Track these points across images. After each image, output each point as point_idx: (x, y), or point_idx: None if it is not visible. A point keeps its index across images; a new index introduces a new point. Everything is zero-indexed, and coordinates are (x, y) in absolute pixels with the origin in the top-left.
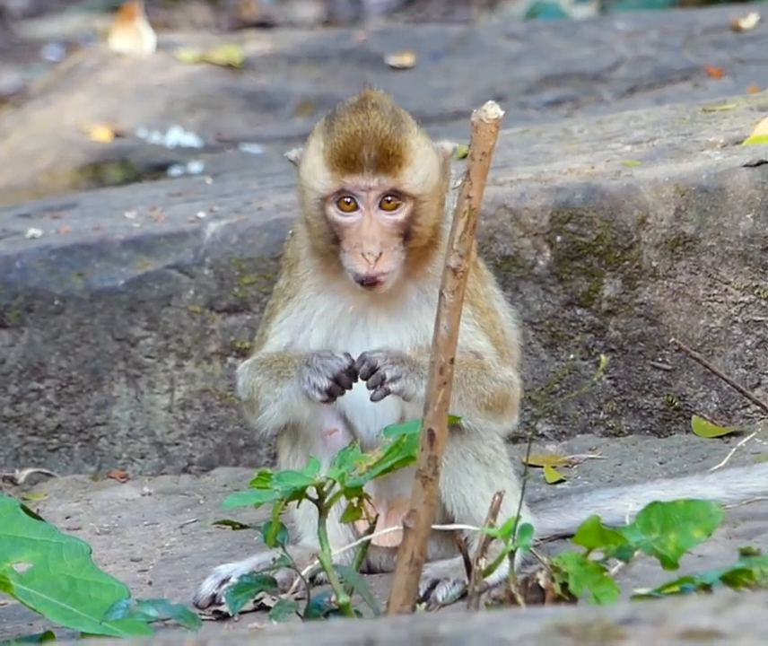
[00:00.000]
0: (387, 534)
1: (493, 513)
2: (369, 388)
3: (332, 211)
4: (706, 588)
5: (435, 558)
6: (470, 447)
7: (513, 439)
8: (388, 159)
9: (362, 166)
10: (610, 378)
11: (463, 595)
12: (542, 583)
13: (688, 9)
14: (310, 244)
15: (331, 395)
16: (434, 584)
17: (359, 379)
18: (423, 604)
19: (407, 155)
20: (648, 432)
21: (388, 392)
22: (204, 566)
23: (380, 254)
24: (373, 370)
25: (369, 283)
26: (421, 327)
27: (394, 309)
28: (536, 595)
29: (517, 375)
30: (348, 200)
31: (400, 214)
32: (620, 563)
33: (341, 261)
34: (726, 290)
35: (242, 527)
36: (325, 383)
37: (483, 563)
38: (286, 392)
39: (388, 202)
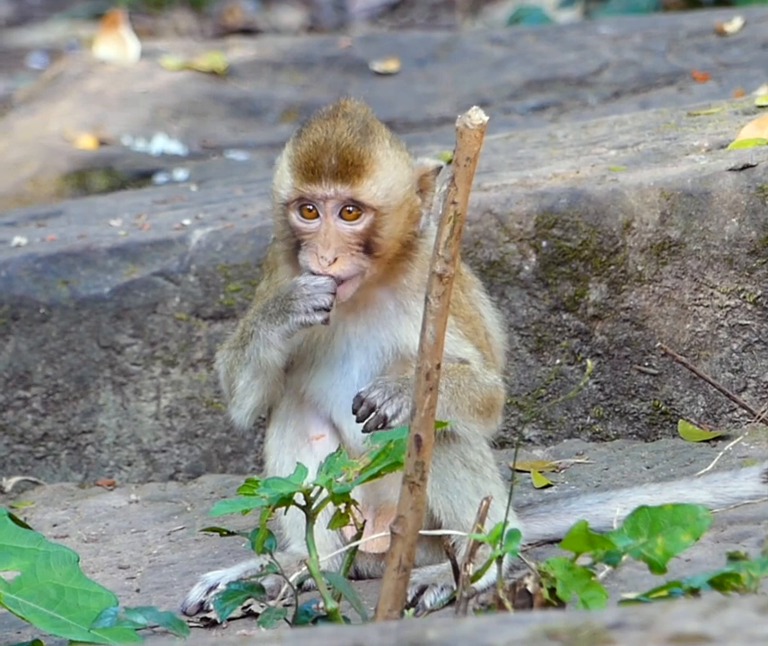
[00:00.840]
0: (374, 540)
1: (481, 518)
2: (368, 429)
3: (294, 217)
4: (694, 592)
5: (423, 563)
6: (457, 452)
7: (500, 444)
8: (347, 169)
9: (321, 175)
10: (597, 382)
11: (451, 600)
12: (530, 588)
13: (672, 13)
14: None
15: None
16: (422, 590)
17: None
18: (411, 609)
19: (369, 166)
20: (635, 436)
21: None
22: (191, 573)
23: (335, 259)
24: (372, 409)
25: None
26: (400, 336)
27: (372, 319)
28: (524, 600)
29: (501, 378)
30: (309, 207)
31: (359, 225)
32: (608, 568)
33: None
34: (712, 294)
35: (230, 533)
36: (327, 299)
37: (470, 569)
38: (253, 346)
39: (349, 212)
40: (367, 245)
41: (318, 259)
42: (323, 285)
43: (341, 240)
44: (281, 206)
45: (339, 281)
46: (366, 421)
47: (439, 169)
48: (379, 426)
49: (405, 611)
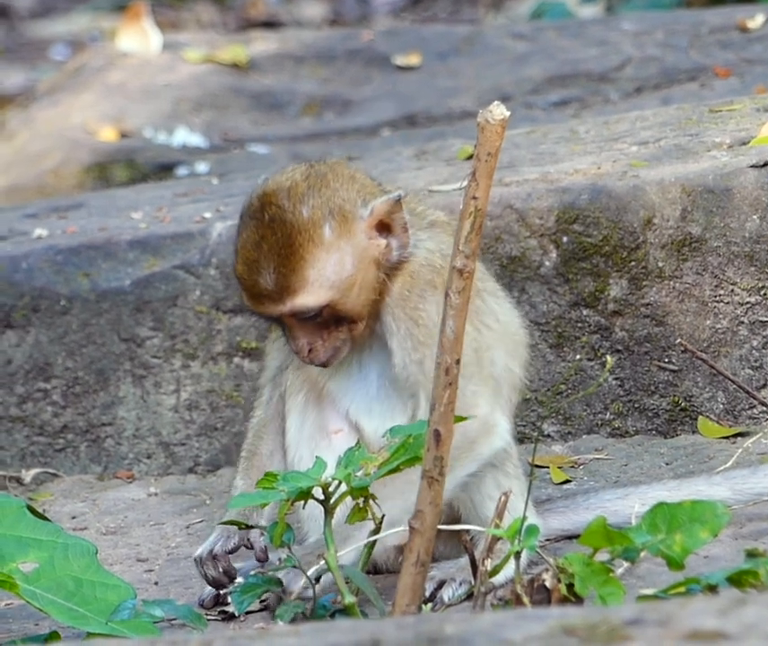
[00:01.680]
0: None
1: (499, 514)
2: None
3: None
4: (712, 589)
5: (441, 557)
6: None
7: (519, 439)
8: (281, 290)
9: (262, 300)
10: (616, 378)
11: (469, 595)
12: (548, 584)
13: (695, 9)
14: None
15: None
16: (441, 584)
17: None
18: (429, 604)
19: (302, 278)
20: (654, 432)
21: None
22: None
23: (310, 349)
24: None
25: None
26: (388, 355)
27: (369, 342)
28: (542, 595)
29: (487, 396)
30: (274, 319)
31: (318, 319)
32: (626, 564)
33: None
34: (732, 290)
35: (248, 527)
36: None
37: (488, 564)
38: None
39: (303, 316)
40: (338, 323)
41: (294, 353)
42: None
43: (307, 333)
44: (247, 311)
45: (333, 356)
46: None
47: (398, 199)
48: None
49: (423, 606)
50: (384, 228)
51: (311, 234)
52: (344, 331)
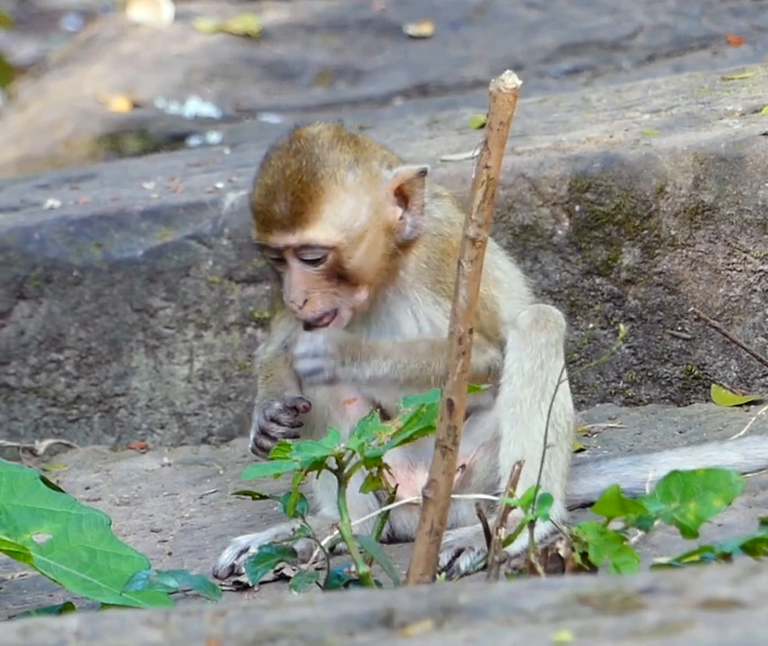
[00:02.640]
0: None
1: (513, 483)
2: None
3: (266, 257)
4: (726, 557)
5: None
6: None
7: None
8: (294, 218)
9: (273, 226)
10: (629, 347)
11: (485, 564)
12: (562, 553)
13: None
14: None
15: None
16: (459, 553)
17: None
18: (443, 574)
19: (316, 209)
20: (667, 401)
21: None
22: (223, 537)
23: (305, 301)
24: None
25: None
26: (398, 321)
27: (380, 311)
28: (556, 564)
29: (499, 352)
30: (273, 254)
31: (321, 265)
32: (640, 533)
33: None
34: (745, 259)
35: (262, 497)
36: (251, 445)
37: (502, 533)
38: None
39: (308, 255)
40: (340, 278)
41: (289, 304)
42: (317, 360)
43: (307, 281)
44: (254, 247)
45: (326, 317)
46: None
47: (422, 172)
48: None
49: (438, 574)
50: (402, 199)
51: (335, 171)
52: (345, 293)
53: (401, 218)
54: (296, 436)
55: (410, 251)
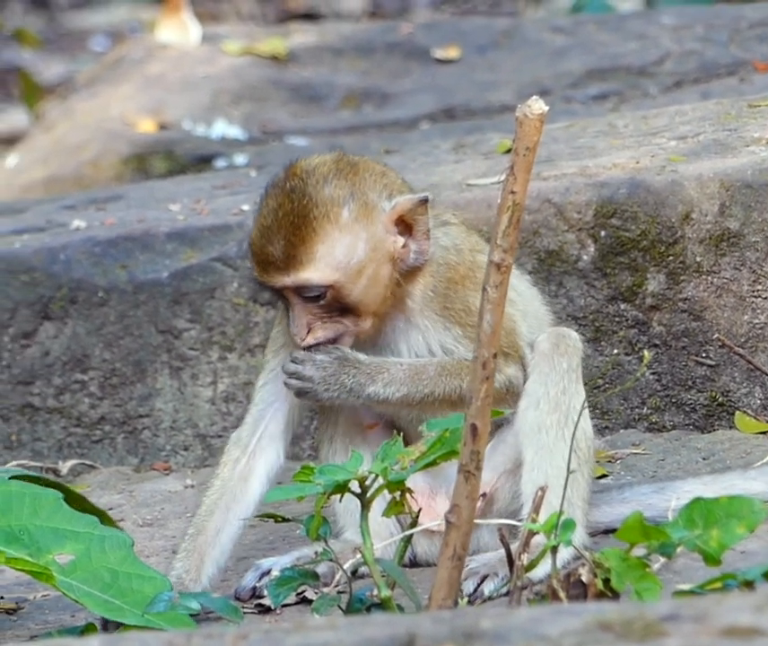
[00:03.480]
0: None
1: (536, 508)
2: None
3: (268, 290)
4: (749, 584)
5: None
6: None
7: None
8: (288, 260)
9: (269, 267)
10: (654, 373)
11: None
12: (584, 579)
13: (734, 3)
14: None
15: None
16: (484, 579)
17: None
18: (466, 598)
19: (310, 251)
20: (691, 427)
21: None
22: (246, 559)
23: (308, 331)
24: (300, 379)
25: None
26: (411, 347)
27: (391, 337)
28: (579, 590)
29: (518, 370)
30: (279, 294)
31: (321, 301)
32: (662, 559)
33: None
34: None
35: (285, 520)
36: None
37: (525, 559)
38: None
39: (307, 293)
40: (343, 310)
41: (293, 336)
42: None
43: (309, 315)
44: (255, 284)
45: (329, 343)
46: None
47: (423, 200)
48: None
49: (460, 599)
50: (405, 228)
51: (328, 210)
52: (349, 323)
53: (404, 246)
54: None
55: (416, 279)
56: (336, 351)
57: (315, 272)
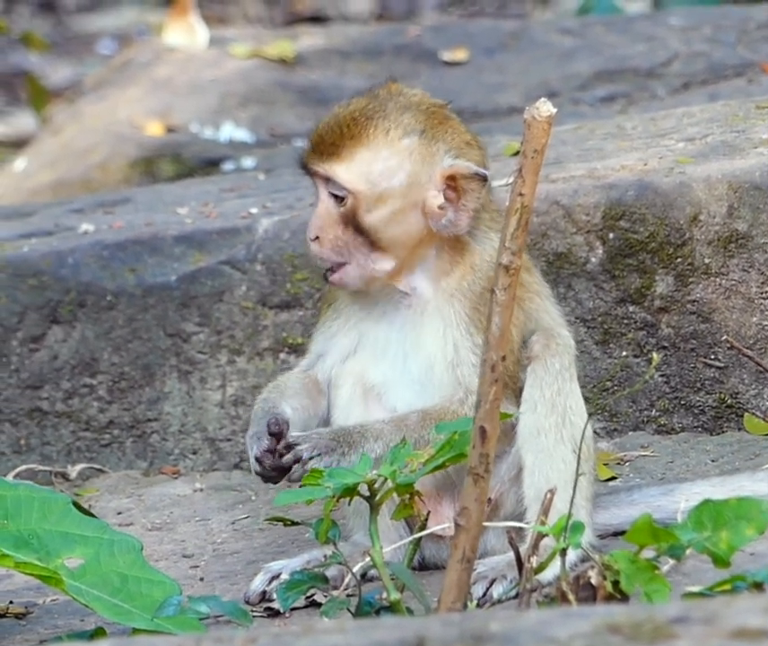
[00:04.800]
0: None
1: (545, 511)
2: (292, 480)
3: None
4: (758, 586)
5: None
6: None
7: None
8: (328, 147)
9: (314, 147)
10: (662, 375)
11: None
12: (593, 581)
13: (742, 5)
14: None
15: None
16: (492, 583)
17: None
18: (475, 601)
19: (352, 148)
20: (700, 429)
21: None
22: (255, 563)
23: (316, 237)
24: (297, 461)
25: (325, 279)
26: (426, 342)
27: (413, 320)
28: (588, 593)
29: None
30: (314, 182)
31: (342, 207)
32: (672, 561)
33: None
34: None
35: (294, 523)
36: (255, 466)
37: (534, 561)
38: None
39: (334, 192)
40: (358, 232)
41: (306, 235)
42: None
43: (327, 219)
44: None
45: (334, 266)
46: (291, 472)
47: (476, 176)
48: (298, 480)
49: (469, 603)
50: (453, 192)
51: (390, 129)
52: (361, 252)
53: (441, 208)
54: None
55: (457, 262)
56: (328, 428)
57: (346, 171)
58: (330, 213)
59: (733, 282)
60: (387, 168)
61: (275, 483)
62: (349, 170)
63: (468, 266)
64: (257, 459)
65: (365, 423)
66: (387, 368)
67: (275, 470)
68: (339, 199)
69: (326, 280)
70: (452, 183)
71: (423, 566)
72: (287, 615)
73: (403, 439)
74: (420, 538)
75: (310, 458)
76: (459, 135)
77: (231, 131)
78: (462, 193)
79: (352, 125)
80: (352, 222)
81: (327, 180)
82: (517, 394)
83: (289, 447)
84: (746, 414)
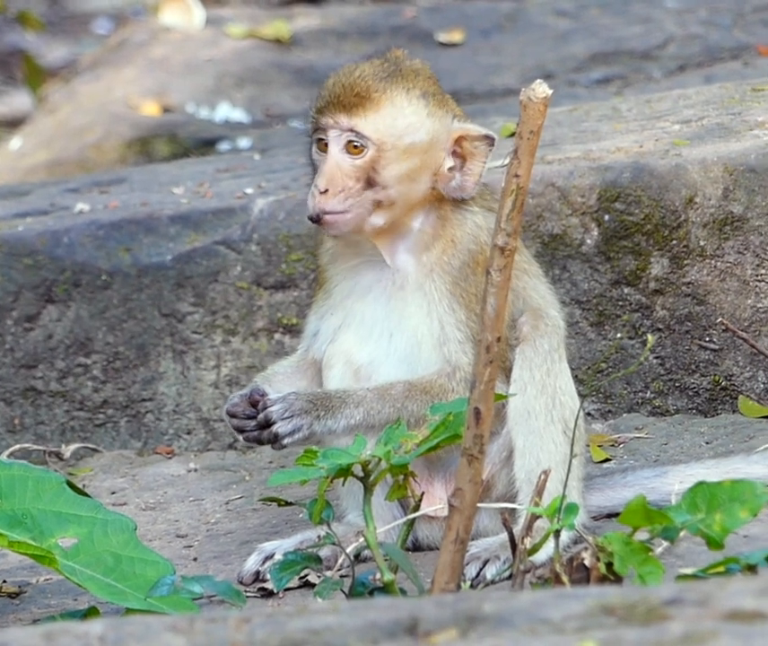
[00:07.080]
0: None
1: (539, 492)
2: (261, 440)
3: (313, 151)
4: (751, 568)
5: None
6: None
7: None
8: (350, 99)
9: (330, 104)
10: (657, 357)
11: (511, 573)
12: (587, 562)
13: None
14: None
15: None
16: (485, 563)
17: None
18: (468, 582)
19: (376, 100)
20: (694, 411)
21: (283, 446)
22: (249, 543)
23: (326, 190)
24: (268, 423)
25: (316, 220)
26: (411, 317)
27: (399, 292)
28: (581, 574)
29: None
30: (323, 138)
31: (360, 159)
32: (665, 543)
33: None
34: None
35: (288, 503)
36: (227, 420)
37: (528, 542)
38: None
39: (353, 146)
40: (368, 183)
41: (312, 189)
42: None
43: (338, 175)
44: (308, 142)
45: (325, 213)
46: (259, 433)
47: (485, 138)
48: (270, 442)
49: (462, 584)
50: (460, 157)
51: (409, 88)
52: (363, 204)
53: (450, 170)
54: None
55: (444, 228)
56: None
57: (372, 123)
58: (341, 166)
59: (728, 264)
60: (410, 124)
61: (260, 444)
62: (375, 122)
63: (449, 240)
64: (229, 413)
65: (348, 388)
66: (373, 347)
67: (253, 430)
68: (357, 152)
69: (313, 222)
70: (459, 148)
71: (417, 547)
72: (280, 595)
73: (398, 420)
74: (414, 519)
75: (283, 419)
76: (453, 104)
77: (226, 111)
78: (469, 156)
79: (372, 81)
80: (365, 176)
81: (347, 132)
82: (506, 374)
83: (264, 407)
84: (741, 396)
